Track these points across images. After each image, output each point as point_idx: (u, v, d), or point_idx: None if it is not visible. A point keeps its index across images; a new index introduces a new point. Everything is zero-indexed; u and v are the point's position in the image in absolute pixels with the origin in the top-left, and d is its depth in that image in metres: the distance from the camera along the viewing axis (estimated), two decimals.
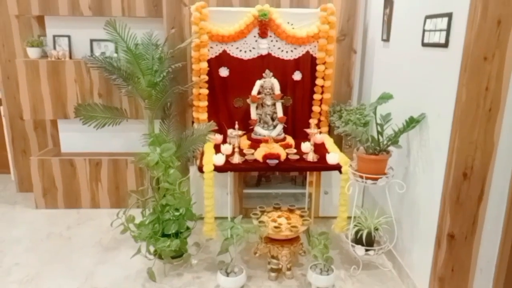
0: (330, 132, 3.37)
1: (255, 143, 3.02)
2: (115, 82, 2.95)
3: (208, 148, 2.93)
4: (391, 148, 2.46)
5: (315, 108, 3.31)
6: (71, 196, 3.57)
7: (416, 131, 2.37)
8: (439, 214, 2.07)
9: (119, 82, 2.94)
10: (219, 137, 3.19)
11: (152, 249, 2.50)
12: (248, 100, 3.09)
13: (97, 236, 3.13)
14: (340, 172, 2.70)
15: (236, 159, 2.75)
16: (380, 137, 2.47)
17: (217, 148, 2.95)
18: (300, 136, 3.32)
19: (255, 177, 3.57)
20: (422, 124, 2.30)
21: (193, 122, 3.32)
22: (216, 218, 2.73)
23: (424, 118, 2.27)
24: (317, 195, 3.34)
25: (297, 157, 2.79)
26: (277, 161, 2.69)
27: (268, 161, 2.69)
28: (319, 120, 3.34)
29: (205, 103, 3.20)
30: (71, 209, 3.59)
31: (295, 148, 3.00)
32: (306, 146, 2.95)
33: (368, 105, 2.39)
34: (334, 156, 2.73)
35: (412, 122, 2.28)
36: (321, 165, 2.74)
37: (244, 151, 2.90)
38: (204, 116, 3.21)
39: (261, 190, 3.42)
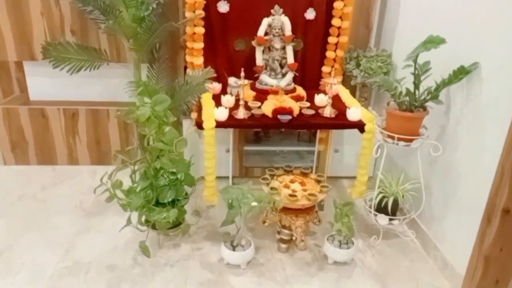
0: (344, 82, 2.95)
1: (261, 95, 2.58)
2: (91, 16, 2.39)
3: (207, 100, 2.48)
4: (429, 104, 2.07)
5: (329, 54, 2.85)
6: (45, 151, 3.10)
7: (461, 84, 1.97)
8: (493, 185, 1.73)
9: (96, 16, 2.39)
10: (217, 87, 2.73)
11: (144, 218, 2.12)
12: (253, 42, 2.60)
13: (78, 199, 2.73)
14: (362, 130, 2.32)
15: (241, 113, 2.31)
16: (416, 90, 2.07)
17: (216, 100, 2.50)
18: (310, 86, 2.90)
19: (253, 131, 3.17)
20: (472, 76, 1.90)
21: (185, 68, 2.83)
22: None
23: (477, 68, 1.86)
24: (326, 153, 2.98)
25: (311, 112, 2.38)
26: (290, 117, 2.27)
27: (279, 116, 2.27)
28: (333, 68, 2.90)
29: (201, 45, 2.69)
30: (46, 165, 3.14)
31: (307, 101, 2.58)
32: (321, 99, 2.53)
33: (411, 51, 1.94)
34: (355, 111, 2.33)
35: (461, 73, 1.88)
36: (341, 122, 2.34)
37: (249, 104, 2.47)
38: (199, 60, 2.72)
39: (263, 147, 3.03)
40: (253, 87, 2.67)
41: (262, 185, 2.22)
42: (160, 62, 2.60)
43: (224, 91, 2.72)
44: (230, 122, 2.27)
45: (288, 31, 2.60)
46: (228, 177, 2.66)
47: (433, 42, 1.83)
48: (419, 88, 2.07)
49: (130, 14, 2.30)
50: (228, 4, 2.68)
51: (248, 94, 2.59)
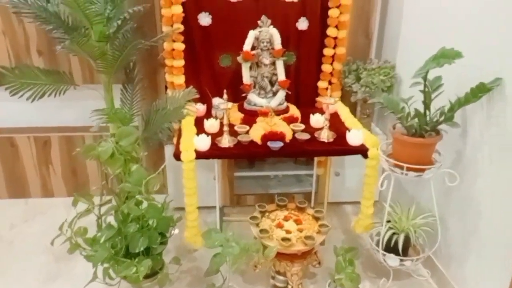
0: (343, 98, 2.65)
1: (250, 117, 2.29)
2: (54, 34, 2.11)
3: (187, 124, 2.18)
4: (442, 127, 1.76)
5: (326, 67, 2.55)
6: (16, 183, 2.82)
7: (479, 103, 1.67)
8: None
9: (60, 35, 2.10)
10: (201, 108, 2.44)
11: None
12: (239, 58, 2.31)
13: (49, 238, 2.41)
14: (365, 156, 2.02)
15: (226, 141, 2.02)
16: (426, 111, 1.76)
17: (199, 124, 2.21)
18: (306, 103, 2.60)
19: None
20: (493, 94, 1.60)
21: (166, 88, 2.54)
22: (200, 208, 2.06)
23: (499, 85, 1.56)
24: (326, 176, 2.67)
25: (307, 136, 2.08)
26: (281, 144, 1.98)
27: (269, 144, 1.98)
28: (330, 83, 2.60)
29: (181, 62, 2.40)
30: (17, 199, 2.85)
31: (302, 122, 2.28)
32: (317, 120, 2.24)
33: (420, 68, 1.65)
34: (356, 135, 2.03)
35: (481, 91, 1.57)
36: (340, 148, 2.04)
37: (236, 128, 2.17)
38: (180, 80, 2.43)
39: (256, 173, 2.72)
40: (240, 108, 2.38)
41: (251, 225, 1.91)
42: (135, 83, 2.31)
43: (208, 113, 2.43)
44: (212, 152, 1.97)
45: (277, 45, 2.31)
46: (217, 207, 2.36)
47: (447, 56, 1.53)
48: (430, 108, 1.76)
49: (96, 32, 2.02)
50: (210, 16, 2.39)
51: (234, 117, 2.30)
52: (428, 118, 1.76)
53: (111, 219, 1.80)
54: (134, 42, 2.00)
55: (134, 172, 1.64)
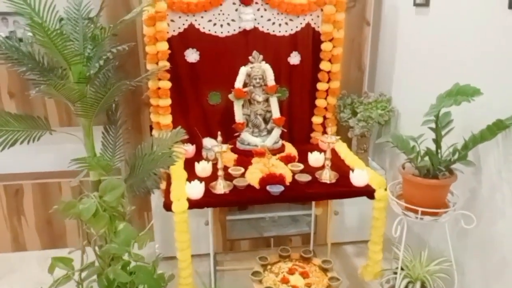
0: (338, 132, 2.52)
1: (244, 157, 2.13)
2: (28, 76, 1.92)
3: (177, 168, 2.00)
4: (456, 166, 1.65)
5: (320, 102, 2.44)
6: None
7: (494, 141, 1.57)
8: None
9: (34, 76, 1.92)
10: (190, 149, 2.26)
11: None
12: (231, 96, 2.17)
13: None
14: (371, 197, 1.88)
15: (221, 186, 1.84)
16: (438, 150, 1.65)
17: (189, 167, 2.03)
18: (300, 140, 2.48)
19: None
20: (510, 131, 1.50)
21: (151, 129, 2.36)
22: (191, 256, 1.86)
23: None
24: (325, 216, 2.51)
25: (307, 178, 1.93)
26: (282, 188, 1.81)
27: (268, 188, 1.81)
28: (324, 118, 2.48)
29: (168, 101, 2.24)
30: None
31: (299, 161, 2.14)
32: (316, 159, 2.09)
33: (434, 105, 1.54)
34: (361, 175, 1.89)
35: (498, 128, 1.47)
36: (345, 190, 1.89)
37: (230, 171, 2.00)
38: (167, 120, 2.26)
39: (250, 215, 2.54)
40: (234, 149, 2.22)
41: (253, 282, 1.71)
42: (118, 125, 2.12)
43: (198, 154, 2.26)
44: (207, 200, 1.79)
45: (271, 81, 2.19)
46: (209, 254, 2.16)
47: (464, 93, 1.42)
48: (441, 146, 1.65)
49: (75, 73, 1.84)
50: (198, 52, 2.26)
51: (228, 158, 2.13)
52: (440, 157, 1.64)
53: (94, 285, 1.57)
54: (117, 83, 1.82)
55: (121, 232, 1.43)
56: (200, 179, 1.87)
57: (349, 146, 2.50)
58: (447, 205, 1.68)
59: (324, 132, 2.47)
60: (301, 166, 2.06)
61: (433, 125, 1.61)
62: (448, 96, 1.47)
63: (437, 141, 1.63)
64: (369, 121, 2.31)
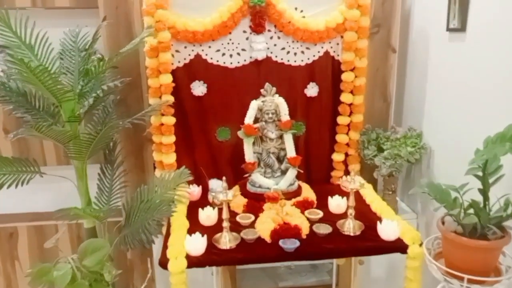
0: (362, 171, 2.26)
1: (255, 202, 1.88)
2: (16, 114, 1.76)
3: (178, 216, 1.76)
4: (509, 223, 1.35)
5: (341, 138, 2.19)
6: None
7: None
8: None
9: (24, 115, 1.75)
10: (196, 191, 2.04)
11: None
12: (240, 133, 1.95)
13: None
14: (403, 252, 1.59)
15: (226, 240, 1.60)
16: (486, 203, 1.36)
17: (192, 212, 1.80)
18: (319, 180, 2.22)
19: None
20: None
21: (155, 168, 2.15)
22: None
23: None
24: (348, 265, 2.21)
25: (328, 229, 1.67)
26: (297, 244, 1.55)
27: (282, 244, 1.55)
28: (346, 155, 2.22)
29: (171, 139, 2.03)
30: None
31: (318, 207, 1.88)
32: (338, 205, 1.83)
33: (481, 151, 1.27)
34: (391, 227, 1.61)
35: None
36: (371, 246, 1.61)
37: (238, 219, 1.76)
38: (170, 158, 2.05)
39: (263, 264, 2.26)
40: (243, 191, 1.98)
41: None
42: (115, 165, 1.92)
43: (205, 197, 2.02)
44: (209, 258, 1.54)
45: (285, 116, 1.96)
46: None
47: None
48: (489, 198, 1.36)
49: (67, 111, 1.66)
50: (205, 85, 2.06)
51: (236, 203, 1.89)
52: (488, 211, 1.35)
53: None
54: (111, 123, 1.63)
55: None
56: (204, 229, 1.63)
57: (375, 186, 2.23)
58: (499, 270, 1.37)
59: (346, 172, 2.21)
60: (320, 214, 1.80)
61: (479, 173, 1.33)
62: (501, 140, 1.20)
63: (484, 192, 1.34)
64: (398, 159, 2.04)
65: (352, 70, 2.09)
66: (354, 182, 1.68)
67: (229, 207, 1.70)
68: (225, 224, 1.61)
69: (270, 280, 2.35)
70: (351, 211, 1.69)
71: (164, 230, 1.81)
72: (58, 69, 1.71)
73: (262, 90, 1.98)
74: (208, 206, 1.82)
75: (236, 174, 2.07)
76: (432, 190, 1.39)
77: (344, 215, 1.75)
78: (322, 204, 1.90)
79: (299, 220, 1.70)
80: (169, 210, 1.62)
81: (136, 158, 2.23)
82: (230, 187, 2.04)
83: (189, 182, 2.02)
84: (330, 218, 1.78)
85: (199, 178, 2.06)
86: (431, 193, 1.39)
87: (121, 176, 1.91)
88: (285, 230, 1.61)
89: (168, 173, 1.93)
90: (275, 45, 2.05)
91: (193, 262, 1.51)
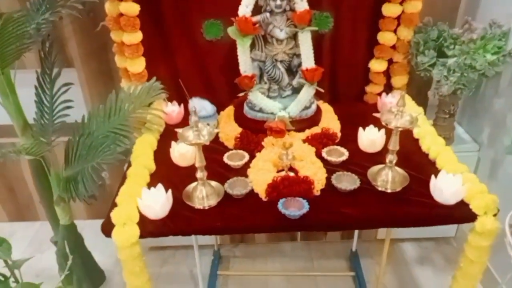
0: (410, 85, 1.60)
1: (251, 134, 1.32)
2: None
3: (139, 156, 1.24)
4: None
5: (385, 37, 1.49)
6: None
7: None
8: None
9: None
10: (175, 111, 1.48)
11: None
12: (231, 30, 1.28)
13: None
14: (469, 219, 1.04)
15: (202, 196, 1.08)
16: None
17: (165, 144, 1.28)
18: (348, 96, 1.62)
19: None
20: None
21: None
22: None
23: None
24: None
25: (353, 184, 1.11)
26: (305, 210, 1.02)
27: (282, 209, 1.02)
28: (390, 62, 1.55)
29: (137, 37, 1.41)
30: None
31: (342, 141, 1.30)
32: (371, 141, 1.26)
33: None
34: (452, 184, 1.04)
35: None
36: (416, 211, 1.06)
37: (226, 159, 1.23)
38: (137, 65, 1.45)
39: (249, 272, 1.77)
40: (237, 116, 1.41)
41: None
42: (54, 75, 1.35)
43: (186, 118, 1.47)
44: (173, 224, 1.04)
45: (301, 2, 1.26)
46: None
47: None
48: None
49: None
50: None
51: (226, 133, 1.34)
52: None
53: None
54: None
55: None
56: (177, 174, 1.13)
57: (425, 105, 1.60)
58: None
59: (388, 86, 1.57)
60: (344, 155, 1.23)
61: None
62: None
63: None
64: (469, 72, 1.36)
65: None
66: (401, 114, 1.06)
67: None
68: (200, 174, 1.08)
69: None
70: (392, 157, 1.11)
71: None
72: None
73: None
74: (189, 130, 1.27)
75: (232, 88, 1.45)
76: None
77: (380, 157, 1.18)
78: (348, 137, 1.32)
79: (312, 167, 1.15)
80: (113, 153, 1.08)
81: (99, 62, 1.65)
82: (222, 108, 1.49)
83: (169, 99, 1.47)
84: (359, 161, 1.21)
85: (177, 94, 1.49)
86: None
87: (63, 92, 1.35)
88: (289, 186, 1.07)
89: (134, 86, 1.37)
90: None
91: (149, 230, 1.02)
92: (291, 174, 1.14)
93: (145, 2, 1.38)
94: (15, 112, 1.32)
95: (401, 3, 1.43)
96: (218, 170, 1.20)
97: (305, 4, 1.26)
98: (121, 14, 1.38)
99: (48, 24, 1.19)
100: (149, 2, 1.40)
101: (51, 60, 1.33)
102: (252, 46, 1.33)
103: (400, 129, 1.05)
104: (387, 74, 1.57)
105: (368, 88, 1.59)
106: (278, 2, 1.26)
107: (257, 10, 1.30)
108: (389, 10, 1.44)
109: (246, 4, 1.26)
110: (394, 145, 1.09)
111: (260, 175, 1.13)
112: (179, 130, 1.07)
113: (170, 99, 1.49)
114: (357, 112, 1.48)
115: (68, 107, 1.32)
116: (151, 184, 1.12)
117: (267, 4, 1.28)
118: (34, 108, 1.40)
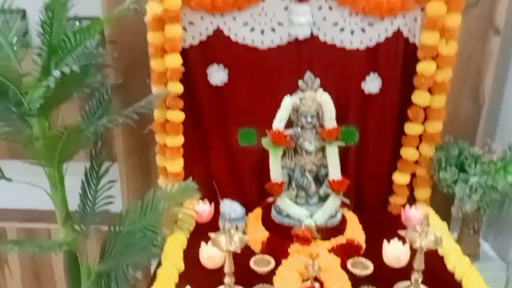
0: (433, 200, 1.64)
1: (279, 239, 1.36)
2: None
3: (169, 256, 1.29)
4: None
5: (408, 152, 1.58)
6: None
7: None
8: None
9: None
10: (206, 210, 1.55)
11: None
12: (265, 141, 1.41)
13: None
14: None
15: None
16: None
17: (194, 244, 1.32)
18: (371, 206, 1.65)
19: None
20: None
21: None
22: None
23: None
24: None
25: None
26: None
27: None
28: (413, 177, 1.62)
29: (178, 140, 1.55)
30: None
31: (367, 253, 1.32)
32: (396, 256, 1.26)
33: None
34: None
35: None
36: None
37: (253, 265, 1.26)
38: (176, 166, 1.57)
39: None
40: (265, 220, 1.47)
41: None
42: (100, 172, 1.48)
43: (215, 218, 1.53)
44: None
45: (330, 120, 1.39)
46: None
47: None
48: None
49: (32, 101, 1.22)
50: (226, 71, 1.54)
51: (254, 237, 1.39)
52: None
53: None
54: (75, 125, 1.17)
55: None
56: (204, 276, 1.16)
57: (448, 220, 1.62)
58: None
59: (412, 199, 1.62)
60: (369, 268, 1.25)
61: None
62: None
63: None
64: (491, 192, 1.41)
65: (433, 58, 1.46)
66: (425, 234, 1.09)
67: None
68: (227, 280, 1.11)
69: None
70: (417, 276, 1.12)
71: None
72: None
73: (300, 82, 1.41)
74: (220, 236, 1.33)
75: (262, 191, 1.54)
76: None
77: (405, 272, 1.19)
78: (373, 249, 1.34)
79: (338, 280, 1.16)
80: (149, 253, 1.14)
81: (140, 158, 1.79)
82: (250, 208, 1.56)
83: (201, 197, 1.56)
84: (384, 275, 1.22)
85: (209, 194, 1.58)
86: None
87: (107, 188, 1.46)
88: None
89: (171, 185, 1.47)
90: (324, 18, 1.46)
91: None
92: (317, 285, 1.15)
93: (187, 110, 1.55)
94: (60, 203, 1.42)
95: (423, 122, 1.55)
96: (244, 275, 1.22)
97: (334, 122, 1.39)
98: (167, 120, 1.54)
99: (104, 128, 1.34)
100: (191, 109, 1.57)
101: (100, 159, 1.46)
102: (283, 155, 1.44)
103: (425, 249, 1.08)
104: (411, 186, 1.63)
105: (392, 199, 1.64)
106: (309, 120, 1.39)
107: (289, 123, 1.44)
108: (411, 129, 1.55)
109: (280, 119, 1.39)
110: (419, 264, 1.11)
111: (286, 285, 1.15)
112: (212, 235, 1.13)
113: (201, 198, 1.58)
114: (381, 222, 1.51)
115: (109, 203, 1.42)
116: (180, 285, 1.15)
117: (298, 120, 1.41)
118: (75, 197, 1.51)
